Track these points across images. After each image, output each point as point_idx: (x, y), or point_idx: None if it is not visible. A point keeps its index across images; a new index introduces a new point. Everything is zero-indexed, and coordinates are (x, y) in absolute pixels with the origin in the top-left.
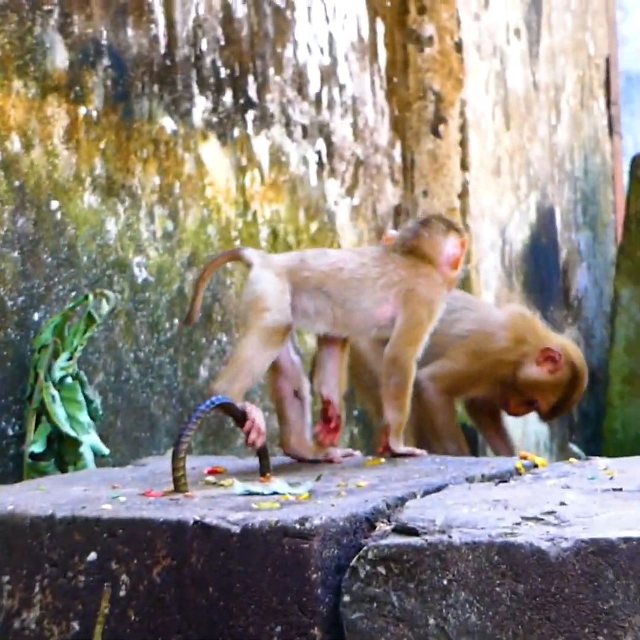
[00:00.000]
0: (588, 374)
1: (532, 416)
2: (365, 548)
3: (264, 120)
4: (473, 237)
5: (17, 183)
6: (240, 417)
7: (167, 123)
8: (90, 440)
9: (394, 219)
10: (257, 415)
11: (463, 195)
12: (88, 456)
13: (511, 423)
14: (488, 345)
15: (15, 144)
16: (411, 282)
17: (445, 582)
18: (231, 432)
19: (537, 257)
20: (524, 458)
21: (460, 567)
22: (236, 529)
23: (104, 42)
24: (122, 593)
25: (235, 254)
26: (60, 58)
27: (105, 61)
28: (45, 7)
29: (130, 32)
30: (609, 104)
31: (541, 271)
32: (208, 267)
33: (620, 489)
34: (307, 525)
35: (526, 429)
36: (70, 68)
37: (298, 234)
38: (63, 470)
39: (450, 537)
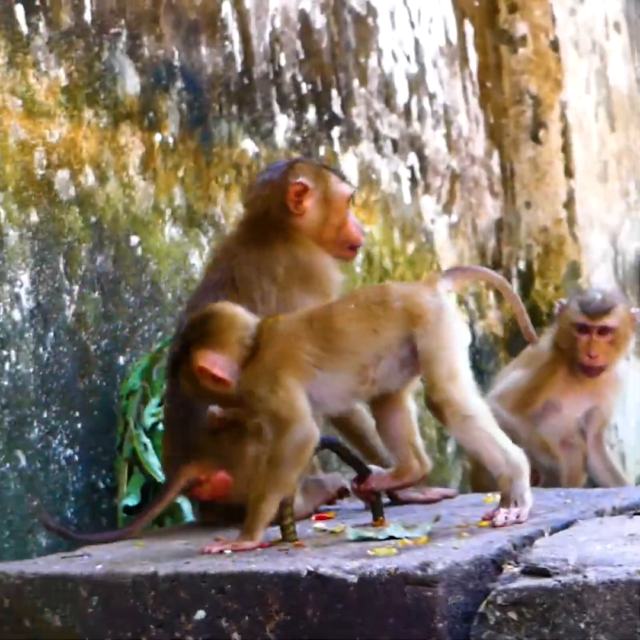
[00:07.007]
0: None
1: None
2: (493, 593)
3: (351, 137)
4: (582, 249)
5: (93, 219)
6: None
7: (249, 145)
8: None
9: (497, 234)
10: None
11: (569, 204)
12: (185, 507)
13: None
14: None
15: (89, 177)
16: None
17: (582, 625)
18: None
19: None
20: None
21: (598, 609)
22: (353, 579)
23: (176, 63)
24: None
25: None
26: (131, 83)
27: (179, 84)
28: (112, 30)
29: (203, 51)
30: None
31: None
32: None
33: None
34: (430, 571)
35: None
36: (142, 93)
37: (394, 256)
38: (160, 523)
39: (585, 576)
